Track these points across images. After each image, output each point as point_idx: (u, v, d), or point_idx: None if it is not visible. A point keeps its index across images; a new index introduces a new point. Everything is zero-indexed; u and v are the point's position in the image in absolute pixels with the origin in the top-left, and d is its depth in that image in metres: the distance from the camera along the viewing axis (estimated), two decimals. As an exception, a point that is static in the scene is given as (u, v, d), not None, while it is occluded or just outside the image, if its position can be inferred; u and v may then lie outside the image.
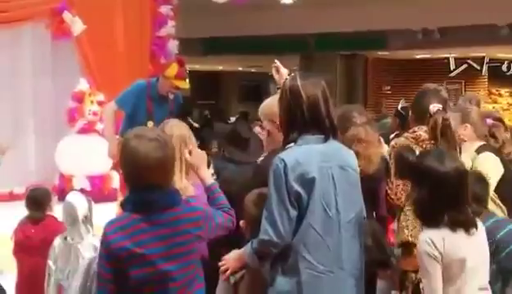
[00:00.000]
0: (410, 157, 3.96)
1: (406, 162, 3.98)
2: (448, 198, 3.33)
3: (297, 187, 3.19)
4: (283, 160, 3.21)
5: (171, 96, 6.74)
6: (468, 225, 3.37)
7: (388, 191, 4.35)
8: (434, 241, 3.31)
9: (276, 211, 3.20)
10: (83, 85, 7.97)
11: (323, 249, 3.24)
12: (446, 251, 3.30)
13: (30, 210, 5.65)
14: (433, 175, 3.35)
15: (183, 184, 3.82)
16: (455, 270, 3.33)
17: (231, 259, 3.55)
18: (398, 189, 4.28)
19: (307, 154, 3.25)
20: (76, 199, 5.13)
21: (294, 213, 3.20)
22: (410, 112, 4.59)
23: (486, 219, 3.79)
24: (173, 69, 6.63)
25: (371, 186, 4.50)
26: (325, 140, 3.32)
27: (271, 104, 3.96)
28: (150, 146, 3.03)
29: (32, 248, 5.45)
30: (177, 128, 4.02)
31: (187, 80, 6.86)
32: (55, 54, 8.16)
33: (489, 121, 5.17)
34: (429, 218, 3.38)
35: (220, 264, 3.53)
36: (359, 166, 4.33)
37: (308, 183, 3.20)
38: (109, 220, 3.10)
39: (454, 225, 3.33)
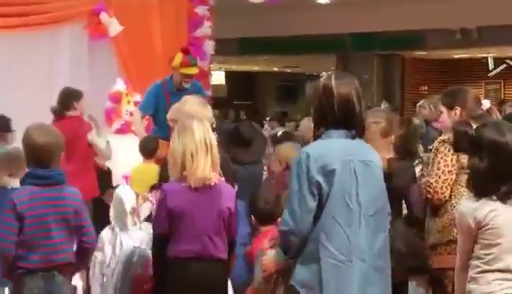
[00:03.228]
0: (468, 130, 3.98)
1: (464, 135, 3.99)
2: (506, 169, 3.36)
3: (318, 177, 3.28)
4: (306, 152, 3.34)
5: (186, 86, 6.90)
6: None
7: (428, 188, 4.33)
8: (476, 209, 3.36)
9: (296, 201, 3.29)
10: (119, 85, 8.02)
11: (343, 239, 3.29)
12: (487, 220, 3.34)
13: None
14: (492, 146, 3.38)
15: (208, 173, 4.02)
16: (490, 240, 3.37)
17: (268, 260, 3.63)
18: (445, 184, 4.27)
19: (330, 147, 3.36)
20: (124, 191, 5.29)
21: (312, 204, 3.28)
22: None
23: None
24: (178, 59, 6.91)
25: (399, 189, 4.46)
26: (354, 136, 3.41)
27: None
28: (45, 134, 4.09)
29: None
30: (197, 122, 4.16)
31: (195, 66, 7.06)
32: (92, 54, 8.23)
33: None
34: (482, 189, 3.40)
35: (261, 264, 3.69)
36: None
37: (329, 174, 3.29)
38: (16, 192, 4.17)
39: (507, 197, 3.35)
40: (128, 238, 5.04)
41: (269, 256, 3.63)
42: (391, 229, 3.59)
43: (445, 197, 4.27)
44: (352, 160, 3.35)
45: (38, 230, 4.02)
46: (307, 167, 3.29)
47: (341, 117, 3.38)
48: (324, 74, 3.53)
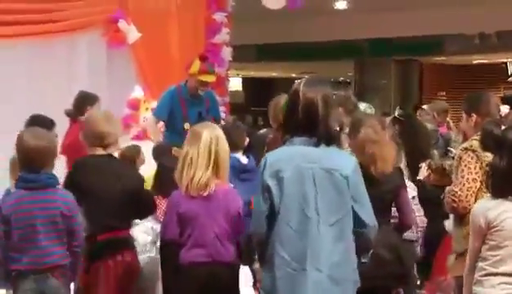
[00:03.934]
0: (494, 129, 3.97)
1: (490, 134, 3.99)
2: None
3: (269, 182, 3.34)
4: (266, 157, 3.43)
5: (201, 93, 6.91)
6: None
7: (453, 197, 4.29)
8: (489, 209, 3.41)
9: (255, 203, 3.42)
10: (137, 92, 8.04)
11: (297, 247, 3.30)
12: (497, 220, 3.38)
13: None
14: None
15: (207, 177, 4.04)
16: (498, 242, 3.41)
17: None
18: (469, 192, 4.24)
19: (288, 154, 3.39)
20: None
21: (265, 206, 3.36)
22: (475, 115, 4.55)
23: None
24: (196, 65, 6.92)
25: (387, 195, 4.42)
26: (316, 144, 3.36)
27: None
28: (36, 138, 4.14)
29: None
30: (208, 129, 4.17)
31: (213, 74, 7.06)
32: (110, 61, 8.26)
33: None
34: (500, 189, 3.43)
35: None
36: (378, 168, 4.36)
37: (280, 180, 3.32)
38: (4, 194, 4.55)
39: None
40: (138, 231, 5.08)
41: None
42: (377, 234, 3.58)
43: (470, 205, 4.22)
44: (312, 168, 3.33)
45: (25, 233, 4.09)
46: (263, 170, 3.37)
47: (304, 122, 3.36)
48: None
